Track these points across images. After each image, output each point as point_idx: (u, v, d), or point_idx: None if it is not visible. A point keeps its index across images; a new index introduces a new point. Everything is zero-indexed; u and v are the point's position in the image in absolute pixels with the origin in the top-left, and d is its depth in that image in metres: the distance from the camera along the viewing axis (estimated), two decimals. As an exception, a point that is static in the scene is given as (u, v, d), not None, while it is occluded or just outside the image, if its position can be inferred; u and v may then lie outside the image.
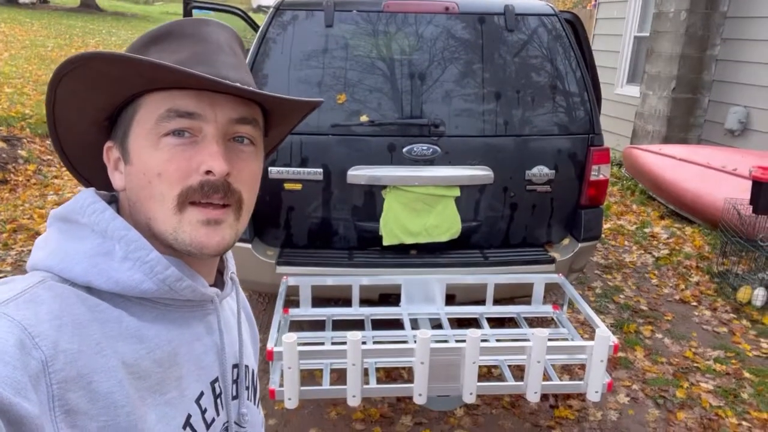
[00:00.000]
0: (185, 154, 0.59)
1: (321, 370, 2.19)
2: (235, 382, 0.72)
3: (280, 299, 2.33)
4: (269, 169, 2.54)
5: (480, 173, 2.61)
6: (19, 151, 5.73)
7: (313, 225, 2.67)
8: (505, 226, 2.75)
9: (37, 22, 15.68)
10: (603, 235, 4.90)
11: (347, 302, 2.55)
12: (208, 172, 0.58)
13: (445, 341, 2.34)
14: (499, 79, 2.65)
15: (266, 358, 1.92)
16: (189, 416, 0.62)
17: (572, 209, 2.79)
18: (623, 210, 5.63)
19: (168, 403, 0.59)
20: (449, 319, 2.52)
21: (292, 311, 2.45)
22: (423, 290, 2.53)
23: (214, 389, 0.67)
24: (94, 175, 0.69)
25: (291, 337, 1.86)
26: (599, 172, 2.73)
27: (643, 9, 7.22)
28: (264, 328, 2.87)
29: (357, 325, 2.92)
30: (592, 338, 1.96)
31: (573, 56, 2.71)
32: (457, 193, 2.62)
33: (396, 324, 2.51)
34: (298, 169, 2.56)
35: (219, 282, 0.73)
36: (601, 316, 3.54)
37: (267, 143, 0.72)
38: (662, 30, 6.18)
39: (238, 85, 0.58)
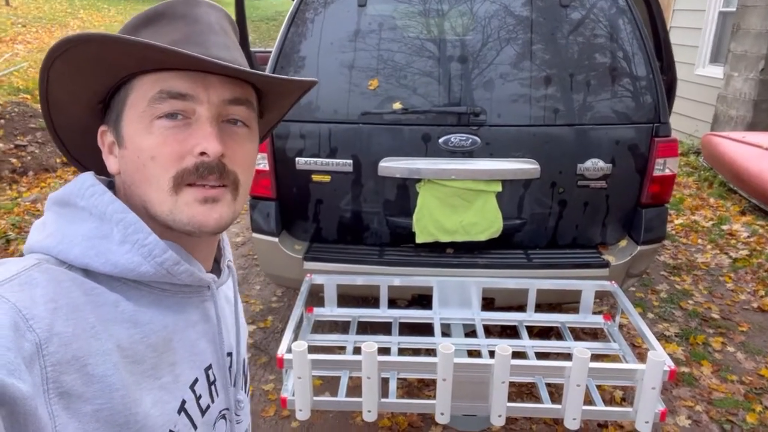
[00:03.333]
0: (179, 137, 0.58)
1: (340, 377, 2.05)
2: (229, 369, 0.72)
3: (301, 298, 2.19)
4: (296, 159, 2.41)
5: (525, 167, 2.36)
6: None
7: (342, 219, 2.52)
8: (553, 225, 2.49)
9: (114, 8, 16.35)
10: (673, 232, 4.48)
11: (376, 302, 2.39)
12: (202, 154, 0.58)
13: (478, 352, 2.14)
14: (549, 60, 2.37)
15: (277, 365, 1.79)
16: (184, 401, 0.62)
17: (631, 208, 2.49)
18: (698, 204, 5.13)
19: (162, 387, 0.59)
20: (486, 326, 2.31)
21: (317, 311, 2.32)
22: (458, 293, 2.32)
23: (208, 376, 0.67)
24: (88, 159, 0.69)
25: (301, 344, 1.72)
26: (665, 167, 2.41)
27: (732, -20, 6.51)
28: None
29: (384, 328, 2.76)
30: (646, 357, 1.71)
31: (638, 34, 2.38)
32: (498, 188, 2.38)
33: (427, 329, 2.33)
34: (327, 160, 2.40)
35: (215, 270, 0.73)
36: (665, 324, 3.20)
37: (263, 125, 0.72)
38: (751, 4, 5.53)
39: (229, 64, 0.57)
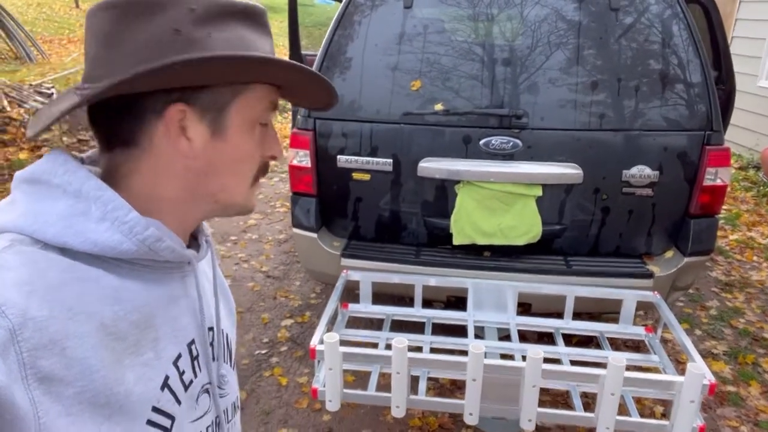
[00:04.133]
0: (265, 143, 0.66)
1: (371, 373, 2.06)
2: (211, 344, 0.72)
3: (336, 293, 2.22)
4: (338, 157, 2.45)
5: (567, 171, 2.32)
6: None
7: (380, 218, 2.54)
8: (595, 233, 2.44)
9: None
10: (728, 247, 4.29)
11: (411, 302, 2.40)
12: (272, 157, 0.67)
13: (511, 357, 2.11)
14: (596, 64, 2.33)
15: (309, 356, 1.83)
16: (167, 377, 0.61)
17: (679, 218, 2.40)
18: (756, 220, 4.90)
19: (145, 364, 0.58)
20: (522, 332, 2.28)
21: (351, 307, 2.35)
22: (493, 296, 2.31)
23: (191, 351, 0.67)
24: (102, 122, 0.61)
25: (333, 336, 1.75)
26: (716, 176, 2.32)
27: (801, -12, 6.20)
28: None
29: (417, 327, 2.76)
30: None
31: (691, 39, 2.31)
32: (538, 192, 2.35)
33: (460, 331, 2.32)
34: (368, 159, 2.43)
35: (194, 245, 0.73)
36: (713, 342, 3.07)
37: None
38: (823, 11, 5.25)
39: (325, 78, 0.66)
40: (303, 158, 2.47)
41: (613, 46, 2.34)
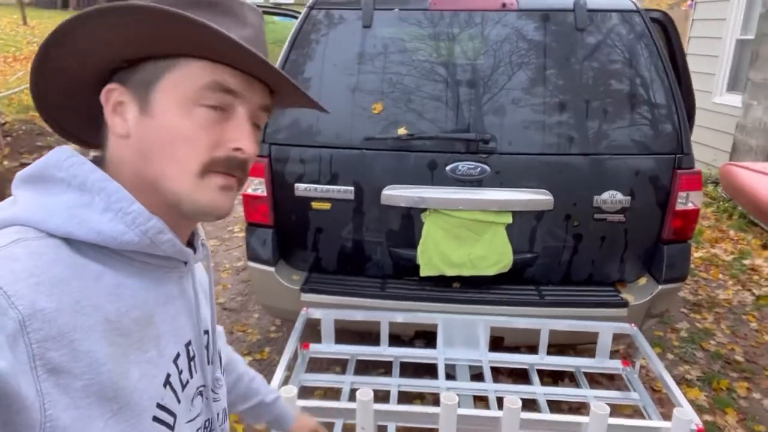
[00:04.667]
0: (217, 128, 0.60)
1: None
2: (206, 347, 0.72)
3: (296, 333, 2.05)
4: (296, 185, 2.28)
5: (537, 198, 2.21)
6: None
7: (342, 249, 2.38)
8: (567, 261, 2.33)
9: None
10: (693, 266, 4.28)
11: (377, 337, 2.23)
12: (237, 149, 0.61)
13: (485, 399, 1.97)
14: (564, 87, 2.24)
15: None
16: (168, 375, 0.62)
17: (652, 243, 2.32)
18: (718, 236, 4.93)
19: (149, 361, 0.59)
20: (495, 369, 2.14)
21: (313, 347, 2.17)
22: (464, 332, 2.17)
23: (188, 351, 0.67)
24: (67, 119, 0.67)
25: (290, 390, 1.57)
26: (687, 200, 2.25)
27: (748, 9, 6.39)
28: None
29: (384, 365, 2.59)
30: (669, 409, 1.54)
31: (659, 61, 2.25)
32: (508, 219, 2.24)
33: (431, 368, 2.17)
34: (328, 187, 2.27)
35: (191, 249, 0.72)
36: (686, 367, 3.00)
37: None
38: (772, 31, 5.40)
39: (294, 82, 0.62)
40: (258, 186, 2.30)
41: (580, 67, 2.26)
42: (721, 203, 5.63)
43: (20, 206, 0.56)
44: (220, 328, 0.96)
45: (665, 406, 2.59)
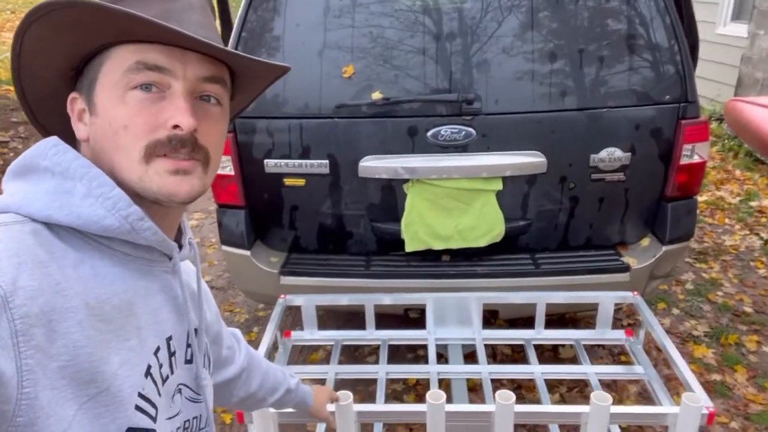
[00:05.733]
0: (152, 108, 0.59)
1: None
2: (189, 345, 0.72)
3: (274, 322, 1.90)
4: (265, 161, 2.09)
5: (529, 160, 2.02)
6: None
7: (322, 227, 2.21)
8: (563, 225, 2.16)
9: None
10: (698, 211, 4.11)
11: (363, 318, 2.09)
12: (175, 127, 0.59)
13: (479, 382, 1.85)
14: (554, 34, 2.01)
15: (237, 419, 1.52)
16: (149, 366, 0.61)
17: (655, 201, 2.15)
18: (724, 177, 4.74)
19: (131, 349, 0.59)
20: (489, 344, 2.01)
21: (295, 334, 2.04)
22: (456, 310, 2.02)
23: (169, 346, 0.67)
24: (55, 127, 0.68)
25: (262, 397, 1.43)
26: (693, 153, 2.06)
27: (756, -72, 5.96)
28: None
29: (372, 350, 2.48)
30: (678, 385, 1.41)
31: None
32: (498, 186, 2.06)
33: (421, 348, 2.04)
34: (300, 161, 2.09)
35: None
36: (693, 322, 2.88)
37: (232, 107, 0.72)
38: (781, -48, 5.03)
39: (209, 42, 0.58)
40: (225, 165, 2.11)
41: (572, 11, 2.02)
42: (726, 141, 5.40)
43: (5, 195, 0.58)
44: (236, 331, 1.06)
45: (671, 368, 2.49)
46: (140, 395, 0.59)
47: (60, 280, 0.53)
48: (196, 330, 0.73)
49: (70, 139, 0.65)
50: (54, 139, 0.61)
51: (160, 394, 0.63)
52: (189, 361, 0.72)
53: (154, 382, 0.62)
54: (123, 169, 0.60)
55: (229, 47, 2.07)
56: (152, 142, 0.59)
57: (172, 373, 0.67)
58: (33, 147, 0.61)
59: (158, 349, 0.64)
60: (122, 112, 0.59)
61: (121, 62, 0.59)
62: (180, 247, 0.72)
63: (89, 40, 0.60)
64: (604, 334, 1.99)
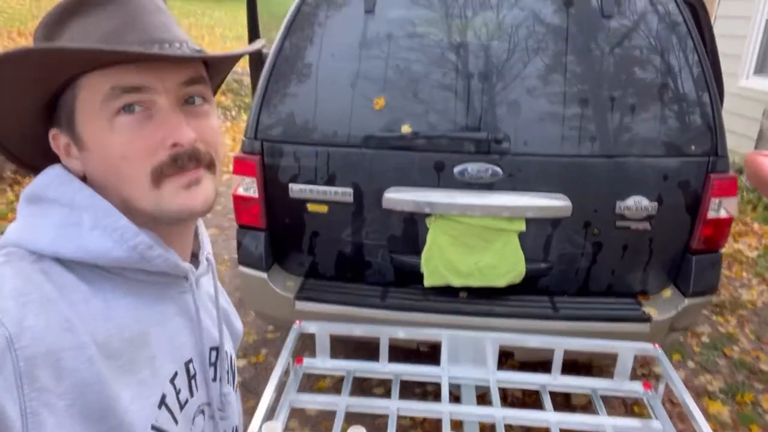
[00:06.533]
0: (145, 131, 0.56)
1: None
2: (213, 364, 0.71)
3: (288, 348, 1.88)
4: (290, 186, 2.10)
5: (554, 203, 2.01)
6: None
7: (340, 255, 2.21)
8: (584, 271, 2.14)
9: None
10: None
11: (376, 348, 2.06)
12: (175, 145, 0.57)
13: (492, 426, 1.81)
14: (586, 79, 2.02)
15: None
16: (164, 396, 0.61)
17: (679, 253, 2.12)
18: (742, 230, 4.70)
19: (141, 382, 0.58)
20: (504, 389, 1.97)
21: (307, 362, 2.01)
22: (471, 349, 1.99)
23: (188, 369, 0.66)
24: (38, 161, 0.64)
25: (274, 428, 1.41)
26: (720, 207, 2.04)
27: (782, -15, 6.03)
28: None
29: (383, 384, 2.44)
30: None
31: (693, 50, 2.02)
32: (522, 227, 2.04)
33: (433, 385, 2.00)
34: (324, 188, 2.09)
35: (194, 264, 0.70)
36: (708, 377, 2.82)
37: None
38: (807, 11, 5.07)
39: (185, 54, 0.58)
40: (249, 187, 2.12)
41: (605, 58, 2.03)
42: (744, 193, 5.37)
43: (15, 227, 0.57)
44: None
45: (686, 421, 2.42)
46: (153, 427, 0.58)
47: (70, 316, 0.52)
48: (217, 347, 0.72)
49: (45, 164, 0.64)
50: (57, 169, 0.60)
51: (177, 422, 0.62)
52: (214, 380, 0.71)
53: (170, 410, 0.61)
54: (137, 200, 0.58)
55: (264, 72, 2.10)
56: (157, 166, 0.57)
57: (191, 396, 0.66)
58: (40, 176, 0.60)
59: (175, 375, 0.63)
60: (115, 143, 0.56)
61: (96, 91, 0.56)
62: (197, 262, 0.70)
63: (55, 79, 0.57)
64: (622, 385, 1.95)
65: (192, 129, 0.58)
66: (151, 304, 0.61)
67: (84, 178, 0.62)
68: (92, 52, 0.53)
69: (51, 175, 0.60)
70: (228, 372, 0.75)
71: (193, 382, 0.67)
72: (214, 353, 0.71)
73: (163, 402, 0.60)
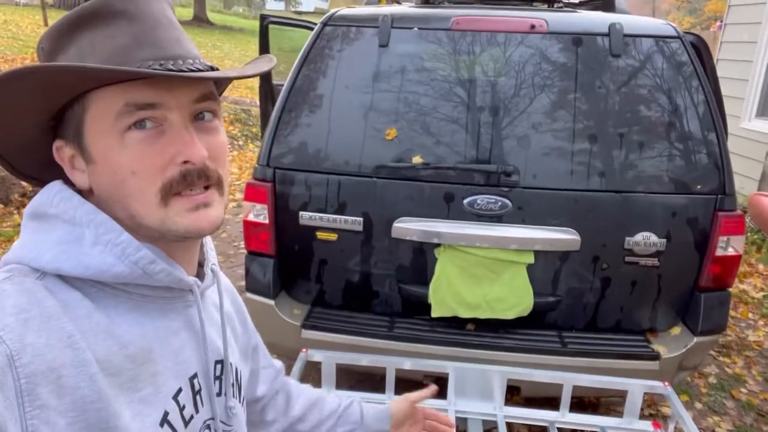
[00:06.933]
0: (156, 147, 0.56)
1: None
2: (218, 378, 0.70)
3: (295, 375, 1.86)
4: (300, 214, 2.12)
5: (563, 237, 2.02)
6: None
7: (348, 283, 2.21)
8: (593, 306, 2.13)
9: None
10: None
11: (382, 379, 2.04)
12: (186, 162, 0.57)
13: (499, 462, 1.77)
14: (595, 116, 2.05)
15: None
16: (166, 413, 0.60)
17: (688, 291, 2.12)
18: (747, 270, 4.68)
19: (142, 400, 0.57)
20: (510, 423, 1.94)
21: (312, 392, 1.99)
22: (478, 382, 1.97)
23: (192, 385, 0.65)
24: (42, 174, 0.64)
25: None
26: (728, 245, 2.05)
27: (782, 31, 6.17)
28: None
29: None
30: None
31: (700, 90, 2.06)
32: (530, 259, 2.05)
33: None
34: (334, 216, 2.10)
35: (200, 275, 0.69)
36: (716, 419, 2.78)
37: None
38: (808, 56, 5.17)
39: (198, 74, 0.57)
40: (260, 213, 2.14)
41: (614, 96, 2.07)
42: (749, 234, 5.37)
43: (18, 245, 0.57)
44: (279, 364, 0.99)
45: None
46: None
47: (72, 332, 0.52)
48: (221, 362, 0.71)
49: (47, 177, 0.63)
50: (58, 185, 0.60)
51: None
52: (219, 394, 0.70)
53: (172, 428, 0.60)
54: (143, 216, 0.58)
55: (279, 100, 2.15)
56: (166, 183, 0.57)
57: (197, 412, 0.65)
58: (41, 192, 0.60)
59: (179, 391, 0.62)
60: (126, 158, 0.56)
61: (108, 107, 0.56)
62: (202, 276, 0.69)
63: (66, 95, 0.56)
64: (631, 423, 1.92)
65: (203, 145, 0.58)
66: (155, 318, 0.61)
67: (89, 191, 0.61)
68: (110, 71, 0.53)
69: (52, 191, 0.59)
70: (233, 385, 0.74)
71: (198, 397, 0.66)
72: (219, 367, 0.70)
73: (165, 420, 0.59)
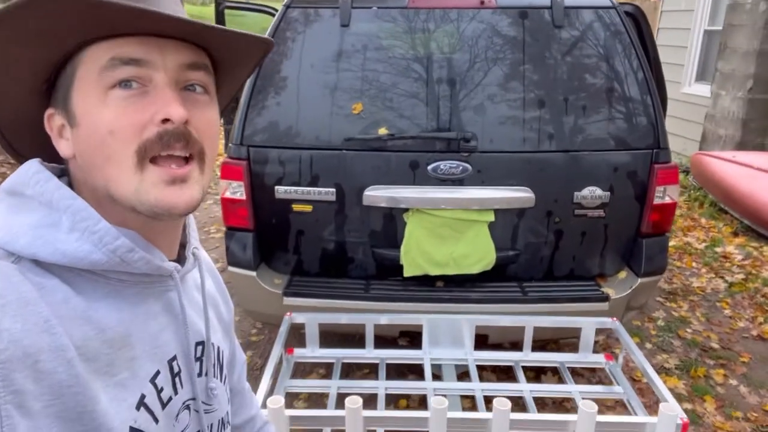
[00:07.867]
0: (137, 106, 0.54)
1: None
2: (199, 359, 0.69)
3: (281, 338, 2.02)
4: (276, 188, 2.25)
5: (519, 195, 2.22)
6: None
7: (325, 251, 2.36)
8: (549, 257, 2.35)
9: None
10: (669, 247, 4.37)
11: (362, 339, 2.22)
12: (165, 121, 0.54)
13: (472, 397, 1.98)
14: (543, 84, 2.25)
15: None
16: (143, 396, 0.59)
17: (631, 237, 2.36)
18: (690, 225, 5.04)
19: (119, 384, 0.57)
20: (480, 366, 2.15)
21: (297, 351, 2.15)
22: (449, 332, 2.17)
23: (171, 367, 0.64)
24: (34, 152, 0.62)
25: (278, 401, 1.55)
26: (665, 194, 2.28)
27: (715, 0, 6.53)
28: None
29: (369, 367, 2.58)
30: (653, 400, 1.56)
31: (635, 56, 2.27)
32: (491, 218, 2.24)
33: (416, 369, 2.17)
34: (308, 189, 2.24)
35: (181, 257, 0.69)
36: (665, 356, 3.07)
37: (219, 101, 0.66)
38: (737, 23, 5.52)
39: (190, 19, 0.53)
40: (237, 190, 2.26)
41: (558, 64, 2.27)
42: (692, 192, 5.75)
43: None
44: (242, 357, 0.91)
45: (646, 395, 2.65)
46: (132, 429, 0.57)
47: (49, 317, 0.51)
48: (203, 342, 0.71)
49: (57, 160, 0.62)
50: (35, 165, 0.58)
51: (157, 420, 0.61)
52: (200, 375, 0.69)
53: (149, 410, 0.60)
54: (118, 182, 0.55)
55: (247, 85, 2.25)
56: (143, 144, 0.54)
57: (176, 393, 0.65)
58: (16, 172, 0.58)
59: (157, 374, 0.62)
60: (105, 116, 0.54)
61: (95, 62, 0.54)
62: (183, 258, 0.69)
63: (56, 44, 0.54)
64: (586, 357, 2.16)
65: (186, 110, 0.56)
66: (133, 303, 0.60)
67: (63, 176, 0.61)
68: (101, 3, 0.49)
69: (29, 171, 0.57)
70: (215, 365, 0.73)
71: (177, 379, 0.65)
72: (200, 348, 0.70)
73: (142, 402, 0.59)
